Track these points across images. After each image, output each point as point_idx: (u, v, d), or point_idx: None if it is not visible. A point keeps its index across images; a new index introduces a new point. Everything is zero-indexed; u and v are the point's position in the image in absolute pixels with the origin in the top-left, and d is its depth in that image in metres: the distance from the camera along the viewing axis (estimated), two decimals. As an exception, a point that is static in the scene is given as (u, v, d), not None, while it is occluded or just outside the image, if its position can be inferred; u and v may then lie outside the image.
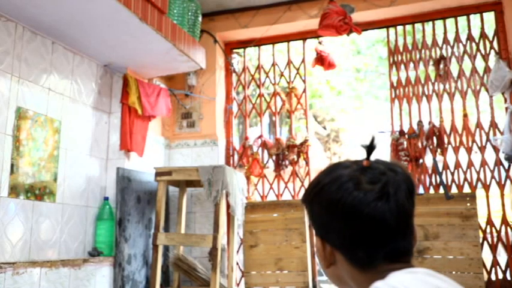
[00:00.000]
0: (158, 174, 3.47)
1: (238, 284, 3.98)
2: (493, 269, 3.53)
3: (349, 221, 0.77)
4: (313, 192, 0.83)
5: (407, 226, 0.80)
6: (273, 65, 4.37)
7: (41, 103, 2.89)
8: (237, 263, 3.96)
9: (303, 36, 4.27)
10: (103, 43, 3.15)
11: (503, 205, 3.59)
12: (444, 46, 3.92)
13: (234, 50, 4.50)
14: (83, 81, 3.29)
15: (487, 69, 3.77)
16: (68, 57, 3.16)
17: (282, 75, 4.36)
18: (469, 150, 3.72)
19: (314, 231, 0.87)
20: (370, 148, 0.82)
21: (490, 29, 3.87)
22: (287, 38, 4.32)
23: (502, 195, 3.61)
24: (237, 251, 3.94)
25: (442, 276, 0.74)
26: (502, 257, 3.62)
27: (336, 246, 0.81)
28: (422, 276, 0.73)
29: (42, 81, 2.91)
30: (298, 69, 4.31)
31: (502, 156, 3.58)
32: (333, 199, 0.78)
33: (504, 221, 3.56)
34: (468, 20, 3.91)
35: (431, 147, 3.76)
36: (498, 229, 3.56)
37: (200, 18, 3.85)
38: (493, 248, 3.55)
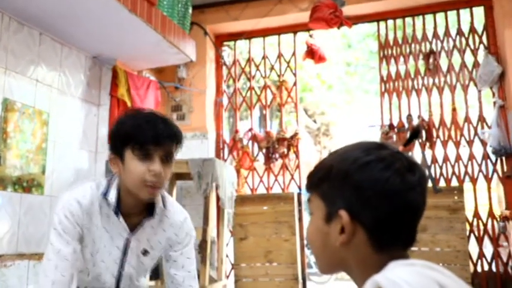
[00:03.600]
0: (148, 167, 3.46)
1: (227, 276, 3.99)
2: (479, 261, 3.58)
3: (391, 201, 0.78)
4: (354, 167, 0.81)
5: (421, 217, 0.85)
6: (264, 58, 4.37)
7: (29, 95, 2.86)
8: (227, 256, 3.97)
9: (294, 29, 4.26)
10: (92, 34, 3.12)
11: (490, 198, 3.63)
12: (434, 40, 3.94)
13: (225, 43, 4.48)
14: (72, 73, 3.25)
15: (476, 64, 3.80)
16: (56, 48, 3.12)
17: (272, 68, 4.36)
18: (457, 144, 3.75)
19: (337, 205, 0.82)
20: (415, 136, 0.85)
21: (479, 23, 3.89)
22: (278, 31, 4.31)
23: (489, 188, 3.65)
24: (227, 244, 3.95)
25: (440, 269, 0.75)
26: (488, 249, 3.67)
27: (366, 223, 0.80)
28: (421, 269, 0.73)
29: (30, 73, 2.88)
30: (288, 63, 4.31)
31: (489, 150, 3.62)
32: (379, 178, 0.79)
33: (491, 214, 3.61)
34: (458, 15, 3.93)
35: (420, 141, 3.79)
36: (485, 222, 3.61)
37: (190, 10, 3.82)
38: (480, 241, 3.59)
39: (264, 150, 4.19)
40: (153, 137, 1.39)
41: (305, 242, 4.03)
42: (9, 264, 2.50)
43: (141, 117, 1.44)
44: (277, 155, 4.14)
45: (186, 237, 1.63)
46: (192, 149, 4.08)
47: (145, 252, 1.56)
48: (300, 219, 3.91)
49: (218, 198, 3.64)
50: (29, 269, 2.61)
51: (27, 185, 2.78)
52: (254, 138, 4.24)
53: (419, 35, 3.99)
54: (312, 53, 4.12)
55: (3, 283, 2.47)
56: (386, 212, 0.79)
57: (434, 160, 3.76)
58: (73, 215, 1.45)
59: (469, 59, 3.87)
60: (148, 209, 1.52)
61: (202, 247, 3.30)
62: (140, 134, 1.39)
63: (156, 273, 3.72)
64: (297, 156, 4.14)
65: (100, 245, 1.50)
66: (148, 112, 1.50)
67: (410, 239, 0.83)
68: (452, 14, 3.97)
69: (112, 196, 1.47)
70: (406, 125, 3.86)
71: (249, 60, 4.41)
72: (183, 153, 4.37)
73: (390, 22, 4.08)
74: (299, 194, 4.00)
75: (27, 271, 2.60)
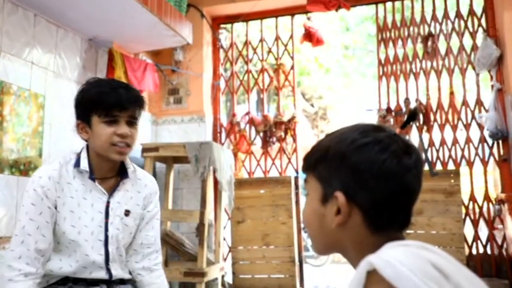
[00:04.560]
0: (145, 150, 3.46)
1: (225, 259, 4.02)
2: (474, 244, 3.61)
3: (387, 183, 0.79)
4: (351, 148, 0.81)
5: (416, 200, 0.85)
6: (261, 41, 4.33)
7: (24, 77, 2.83)
8: (224, 239, 4.00)
9: (292, 11, 4.22)
10: (87, 16, 3.08)
11: (486, 182, 3.65)
12: (433, 23, 3.91)
13: (222, 25, 4.44)
14: (67, 55, 3.22)
15: (474, 47, 3.79)
16: (52, 30, 3.09)
17: (270, 51, 4.33)
18: (454, 128, 3.76)
19: (333, 186, 0.82)
20: (412, 118, 0.83)
21: (478, 6, 3.86)
22: (275, 13, 4.27)
23: (485, 172, 3.67)
24: (224, 227, 3.97)
25: (435, 249, 0.75)
26: (483, 232, 3.71)
27: (362, 205, 0.80)
28: (416, 250, 0.73)
29: (25, 55, 2.85)
30: (286, 46, 4.28)
31: (486, 133, 3.63)
32: (376, 160, 0.79)
33: (486, 197, 3.64)
34: (457, -3, 3.90)
35: (417, 124, 3.79)
36: (480, 205, 3.64)
37: (187, -8, 3.78)
38: (475, 224, 3.63)
39: (261, 134, 4.19)
40: (117, 102, 1.51)
41: (302, 225, 4.05)
42: (7, 246, 2.51)
43: (104, 84, 1.55)
44: (274, 139, 4.15)
45: (156, 196, 1.74)
46: (189, 132, 4.08)
47: (127, 213, 1.63)
48: (297, 202, 3.93)
49: (215, 182, 3.65)
50: (27, 251, 2.62)
51: (24, 168, 2.78)
52: (251, 121, 4.23)
53: (418, 17, 3.96)
54: (309, 36, 4.09)
55: (1, 264, 2.49)
56: (382, 194, 0.79)
57: (431, 143, 3.77)
58: (42, 187, 1.52)
59: (467, 42, 3.85)
60: (121, 173, 1.64)
61: (200, 230, 3.32)
62: (105, 101, 1.51)
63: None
64: (294, 140, 4.14)
65: (80, 213, 1.56)
66: (110, 79, 1.63)
67: (406, 220, 0.83)
68: (451, -4, 3.93)
69: (84, 164, 1.57)
70: (404, 109, 3.85)
71: (246, 43, 4.37)
72: (181, 136, 4.38)
73: (389, 4, 4.05)
74: (296, 178, 4.01)
75: (26, 254, 2.61)
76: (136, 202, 1.66)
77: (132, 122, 1.56)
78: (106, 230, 1.58)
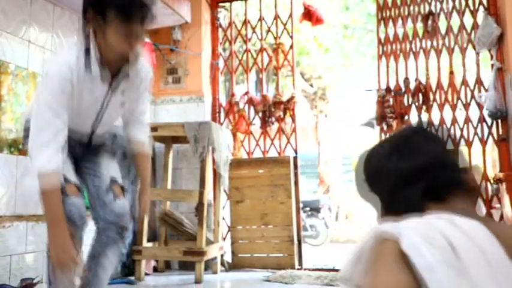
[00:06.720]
0: (144, 130, 3.45)
1: (224, 239, 4.05)
2: (472, 223, 3.64)
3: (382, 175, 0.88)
4: (365, 162, 0.93)
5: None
6: (260, 20, 4.28)
7: (22, 56, 2.81)
8: (223, 218, 4.03)
9: (291, -10, 4.17)
10: (84, -6, 3.04)
11: (484, 162, 3.66)
12: (433, 2, 3.87)
13: (220, 4, 4.39)
14: (65, 34, 3.19)
15: (474, 26, 3.75)
16: (48, 8, 3.05)
17: (269, 30, 4.28)
18: (453, 107, 3.75)
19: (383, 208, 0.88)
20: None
21: (479, -16, 3.81)
22: (274, -9, 4.21)
23: (484, 151, 3.68)
24: (223, 207, 3.99)
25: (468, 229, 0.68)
26: (481, 211, 3.73)
27: (382, 200, 0.87)
28: (435, 222, 0.69)
29: (22, 33, 2.82)
30: (285, 25, 4.23)
31: (485, 113, 3.62)
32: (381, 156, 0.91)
33: (485, 176, 3.65)
34: (458, -25, 3.85)
35: (416, 104, 3.79)
36: (478, 184, 3.65)
37: (185, -30, 3.72)
38: (473, 203, 3.65)
39: (260, 114, 4.18)
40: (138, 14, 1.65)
41: (300, 204, 4.07)
42: (8, 225, 2.53)
43: None
44: (273, 119, 4.13)
45: (149, 75, 1.96)
46: (188, 112, 4.07)
47: (123, 101, 1.87)
48: (296, 182, 3.95)
49: (214, 162, 3.65)
50: (27, 230, 2.64)
51: (23, 147, 2.77)
52: (250, 101, 4.22)
53: (418, -4, 3.91)
54: (309, 15, 4.05)
55: (2, 244, 2.51)
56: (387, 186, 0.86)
57: (430, 123, 3.77)
58: (69, 67, 1.68)
59: (468, 20, 3.81)
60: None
61: (199, 210, 3.34)
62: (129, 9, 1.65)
63: (154, 235, 3.78)
64: (293, 120, 4.13)
65: (85, 96, 1.75)
66: None
67: (438, 189, 0.82)
68: (452, -26, 3.88)
69: (95, 66, 1.72)
70: (403, 88, 3.84)
71: (245, 22, 4.33)
72: (179, 116, 4.36)
73: (389, -18, 3.99)
74: (295, 158, 4.02)
75: (26, 232, 2.63)
76: (133, 83, 1.86)
77: (138, 36, 1.70)
78: (101, 112, 1.84)
